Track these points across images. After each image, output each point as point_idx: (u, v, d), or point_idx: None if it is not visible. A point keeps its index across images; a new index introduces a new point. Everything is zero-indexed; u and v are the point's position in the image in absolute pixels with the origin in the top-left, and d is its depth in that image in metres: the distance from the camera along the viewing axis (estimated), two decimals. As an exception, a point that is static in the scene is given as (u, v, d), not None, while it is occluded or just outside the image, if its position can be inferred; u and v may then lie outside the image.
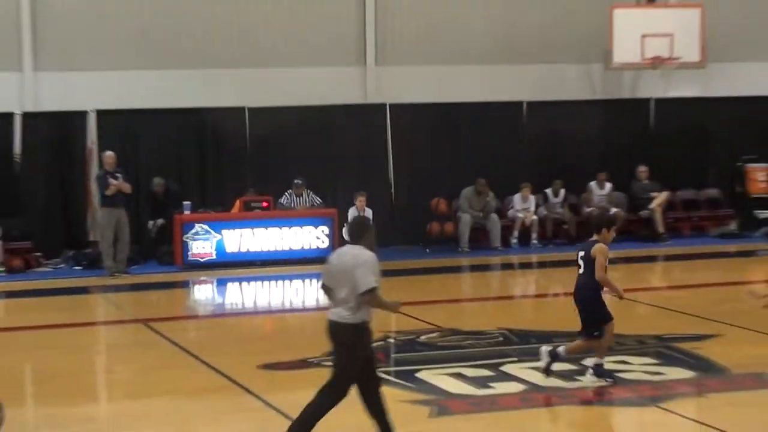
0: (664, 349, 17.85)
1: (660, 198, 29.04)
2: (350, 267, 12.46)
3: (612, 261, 27.16)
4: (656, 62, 29.53)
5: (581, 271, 15.77)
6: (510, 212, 28.43)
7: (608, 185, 29.13)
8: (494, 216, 28.01)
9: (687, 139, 30.14)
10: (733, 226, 29.46)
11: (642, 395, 15.26)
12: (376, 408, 12.41)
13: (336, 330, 12.36)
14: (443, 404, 14.78)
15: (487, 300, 23.70)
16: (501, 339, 18.73)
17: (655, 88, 30.89)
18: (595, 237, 15.66)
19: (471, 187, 27.81)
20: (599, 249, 15.43)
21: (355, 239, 12.88)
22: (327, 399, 12.33)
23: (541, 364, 15.56)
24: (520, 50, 30.39)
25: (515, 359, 17.10)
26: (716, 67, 30.48)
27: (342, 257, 12.71)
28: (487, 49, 30.25)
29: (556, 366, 15.39)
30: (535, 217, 28.42)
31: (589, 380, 15.43)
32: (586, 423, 14.25)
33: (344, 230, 14.59)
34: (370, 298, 12.58)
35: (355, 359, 12.27)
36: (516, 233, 28.28)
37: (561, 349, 15.61)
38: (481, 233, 28.02)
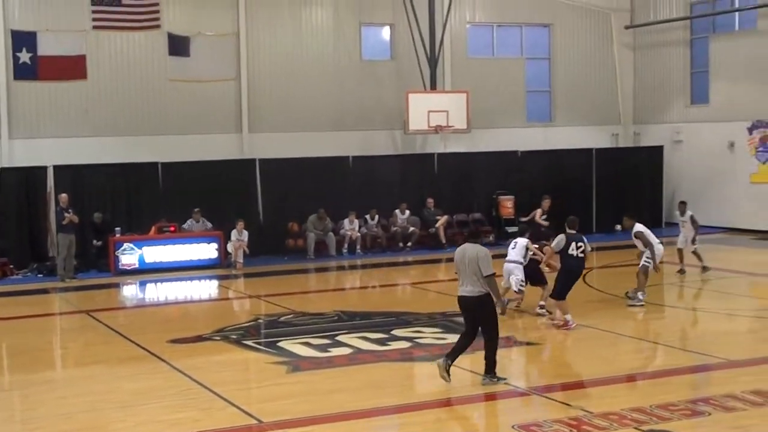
0: (447, 321, 17.81)
1: (442, 220, 29.09)
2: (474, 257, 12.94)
3: (409, 263, 27.46)
4: (438, 129, 29.67)
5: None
6: (341, 231, 28.23)
7: (407, 212, 29.10)
8: (331, 234, 27.81)
9: (459, 180, 30.30)
10: (491, 237, 29.59)
11: (433, 354, 15.17)
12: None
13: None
14: (296, 364, 14.69)
15: (326, 291, 23.59)
16: (336, 318, 18.61)
17: (437, 146, 31.00)
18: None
19: (315, 214, 27.58)
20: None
21: (473, 239, 13.53)
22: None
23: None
24: (348, 121, 30.33)
25: (346, 331, 16.98)
26: (478, 132, 30.79)
27: (467, 251, 13.14)
28: (327, 119, 30.17)
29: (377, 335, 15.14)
30: (358, 234, 28.27)
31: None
32: (394, 373, 14.17)
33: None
34: (489, 280, 12.96)
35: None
36: (346, 245, 28.08)
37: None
38: (322, 245, 27.76)
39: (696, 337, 16.90)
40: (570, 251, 16.84)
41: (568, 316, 16.80)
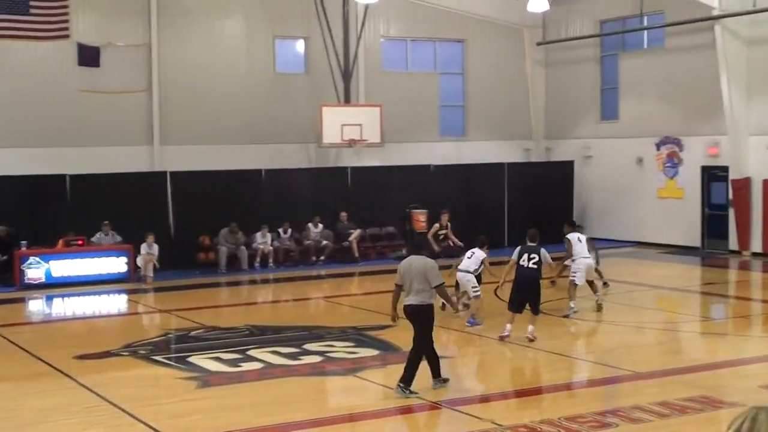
0: (358, 335, 17.81)
1: (355, 233, 29.09)
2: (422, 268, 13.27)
3: (322, 277, 27.36)
4: (351, 143, 29.69)
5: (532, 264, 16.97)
6: (254, 245, 28.03)
7: (320, 225, 29.03)
8: (243, 248, 27.61)
9: (373, 194, 30.29)
10: (404, 251, 29.58)
11: (345, 368, 15.18)
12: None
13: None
14: (206, 379, 14.54)
15: (238, 305, 23.29)
16: (247, 332, 18.48)
17: (350, 159, 31.03)
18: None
19: (227, 228, 27.34)
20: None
21: (420, 252, 13.89)
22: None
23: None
24: (261, 134, 30.17)
25: (257, 346, 16.87)
26: (391, 146, 30.87)
27: (413, 262, 13.47)
28: (240, 132, 29.97)
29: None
30: (271, 247, 28.10)
31: None
32: (306, 388, 14.08)
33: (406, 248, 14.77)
34: (440, 289, 13.41)
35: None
36: (258, 259, 27.88)
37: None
38: (234, 259, 27.54)
39: (605, 350, 17.11)
40: (521, 262, 17.15)
41: (508, 325, 17.03)
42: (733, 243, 28.89)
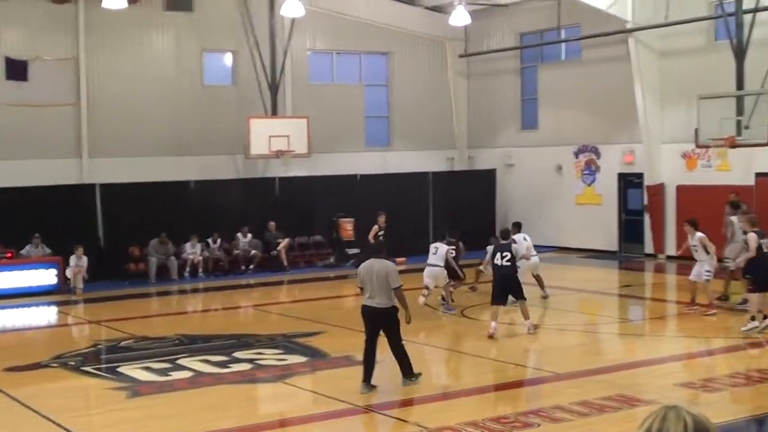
0: (287, 343, 17.77)
1: (284, 243, 28.99)
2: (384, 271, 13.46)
3: (251, 286, 27.20)
4: (279, 154, 29.60)
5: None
6: (183, 255, 27.82)
7: (249, 235, 28.90)
8: (173, 258, 27.37)
9: (300, 203, 30.20)
10: (332, 259, 29.72)
11: (274, 375, 15.15)
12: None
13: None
14: (136, 389, 14.35)
15: (168, 315, 23.08)
16: (177, 342, 18.31)
17: (278, 170, 30.94)
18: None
19: (156, 238, 27.10)
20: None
21: (380, 255, 13.96)
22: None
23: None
24: (189, 145, 29.94)
25: (187, 355, 16.74)
26: (318, 156, 30.83)
27: (374, 265, 13.57)
28: (168, 144, 29.73)
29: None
30: (200, 257, 27.91)
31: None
32: (235, 395, 13.98)
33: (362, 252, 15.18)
34: (398, 292, 13.61)
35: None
36: (188, 269, 27.67)
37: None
38: (164, 269, 27.30)
39: (527, 352, 17.27)
40: (496, 261, 17.80)
41: (493, 323, 17.50)
42: (648, 247, 29.36)
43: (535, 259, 21.44)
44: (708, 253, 19.26)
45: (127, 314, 22.12)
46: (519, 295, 17.98)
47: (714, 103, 24.33)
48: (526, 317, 17.87)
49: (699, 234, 19.39)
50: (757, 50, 24.21)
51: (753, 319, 17.15)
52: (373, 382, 13.61)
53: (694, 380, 14.00)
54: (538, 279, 21.73)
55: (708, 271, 19.28)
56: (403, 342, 13.93)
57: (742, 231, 19.68)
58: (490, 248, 18.57)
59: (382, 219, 25.32)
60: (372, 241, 23.94)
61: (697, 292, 19.55)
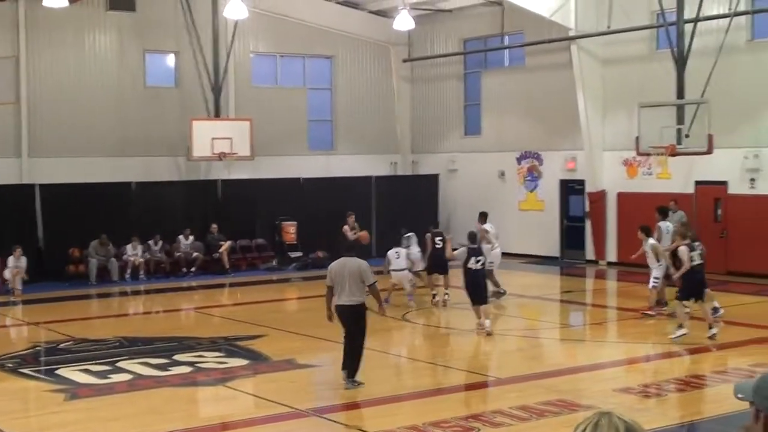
0: (229, 346, 17.70)
1: (226, 245, 28.86)
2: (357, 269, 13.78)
3: (193, 288, 27.04)
4: (221, 156, 29.43)
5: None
6: (124, 256, 27.59)
7: (191, 237, 28.76)
8: (113, 259, 27.14)
9: (243, 206, 30.13)
10: (274, 262, 29.64)
11: (215, 378, 15.09)
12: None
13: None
14: (75, 392, 14.25)
15: (108, 317, 22.89)
16: (117, 344, 18.17)
17: (221, 172, 30.80)
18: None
19: (97, 240, 26.86)
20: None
21: (351, 253, 14.20)
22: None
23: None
24: (131, 146, 29.69)
25: (127, 357, 16.61)
26: (261, 159, 30.70)
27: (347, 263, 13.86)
28: (110, 145, 29.47)
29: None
30: (141, 259, 27.71)
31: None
32: (176, 398, 13.92)
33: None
34: (374, 288, 14.00)
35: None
36: (129, 271, 27.46)
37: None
38: (104, 271, 27.06)
39: (469, 356, 17.37)
40: (469, 265, 18.20)
41: (486, 321, 18.07)
42: (589, 253, 29.64)
43: (497, 250, 22.58)
44: (658, 260, 19.48)
45: (66, 316, 21.90)
46: (485, 299, 18.60)
47: (655, 111, 24.66)
48: (487, 317, 18.22)
49: (651, 241, 19.65)
50: (698, 59, 24.57)
51: (681, 326, 17.30)
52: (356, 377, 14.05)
53: (633, 385, 14.17)
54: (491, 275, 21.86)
55: (656, 278, 19.53)
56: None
57: (671, 239, 20.02)
58: (462, 249, 18.51)
59: (351, 219, 25.62)
60: (350, 238, 24.38)
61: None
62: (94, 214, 27.40)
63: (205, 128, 29.25)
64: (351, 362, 13.96)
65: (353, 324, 13.97)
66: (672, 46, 24.82)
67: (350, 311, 13.87)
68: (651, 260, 19.63)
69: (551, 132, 30.58)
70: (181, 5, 29.46)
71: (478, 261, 18.15)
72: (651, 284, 19.59)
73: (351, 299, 13.80)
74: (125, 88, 30.02)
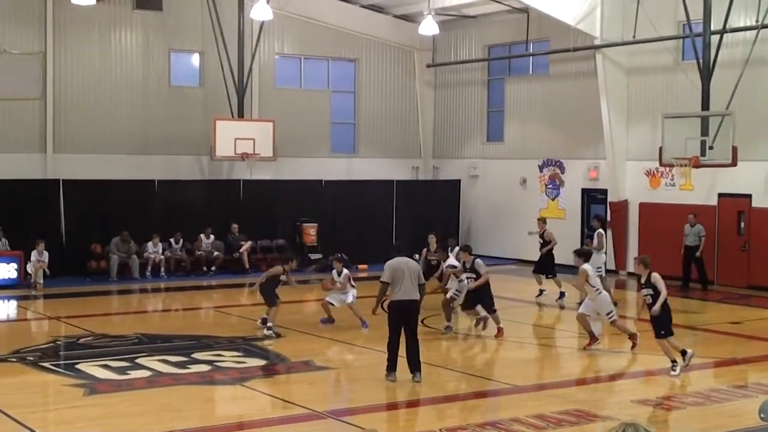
0: (247, 345, 17.72)
1: (246, 245, 28.91)
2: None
3: (212, 287, 27.10)
4: (244, 156, 29.50)
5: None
6: (145, 254, 27.68)
7: (212, 236, 28.84)
8: (134, 257, 27.23)
9: (264, 207, 30.22)
10: (294, 264, 29.56)
11: (232, 377, 15.11)
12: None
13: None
14: (94, 386, 14.31)
15: (128, 313, 22.97)
16: (137, 341, 18.24)
17: (243, 172, 30.87)
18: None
19: (118, 236, 26.96)
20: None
21: (402, 254, 14.86)
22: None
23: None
24: (155, 145, 29.84)
25: (146, 354, 16.66)
26: (284, 161, 30.79)
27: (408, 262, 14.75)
28: (134, 142, 29.62)
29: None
30: (162, 257, 27.78)
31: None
32: (193, 396, 13.95)
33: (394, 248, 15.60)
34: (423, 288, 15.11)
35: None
36: (149, 268, 27.54)
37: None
38: (125, 268, 27.16)
39: (486, 363, 17.34)
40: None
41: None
42: (610, 263, 29.46)
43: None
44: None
45: (87, 311, 21.98)
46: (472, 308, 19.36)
47: (679, 123, 24.57)
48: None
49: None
50: (724, 71, 24.48)
51: (674, 362, 16.36)
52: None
53: (652, 397, 14.10)
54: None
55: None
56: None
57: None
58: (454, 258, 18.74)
59: (433, 240, 23.67)
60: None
61: None
62: (116, 211, 27.59)
63: (228, 128, 29.35)
64: (414, 355, 14.60)
65: (410, 318, 14.61)
66: (698, 57, 24.72)
67: (411, 306, 14.56)
68: None
69: (574, 140, 30.51)
70: (207, 6, 29.58)
71: (469, 278, 18.84)
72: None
73: (412, 295, 14.51)
74: (150, 86, 30.14)
